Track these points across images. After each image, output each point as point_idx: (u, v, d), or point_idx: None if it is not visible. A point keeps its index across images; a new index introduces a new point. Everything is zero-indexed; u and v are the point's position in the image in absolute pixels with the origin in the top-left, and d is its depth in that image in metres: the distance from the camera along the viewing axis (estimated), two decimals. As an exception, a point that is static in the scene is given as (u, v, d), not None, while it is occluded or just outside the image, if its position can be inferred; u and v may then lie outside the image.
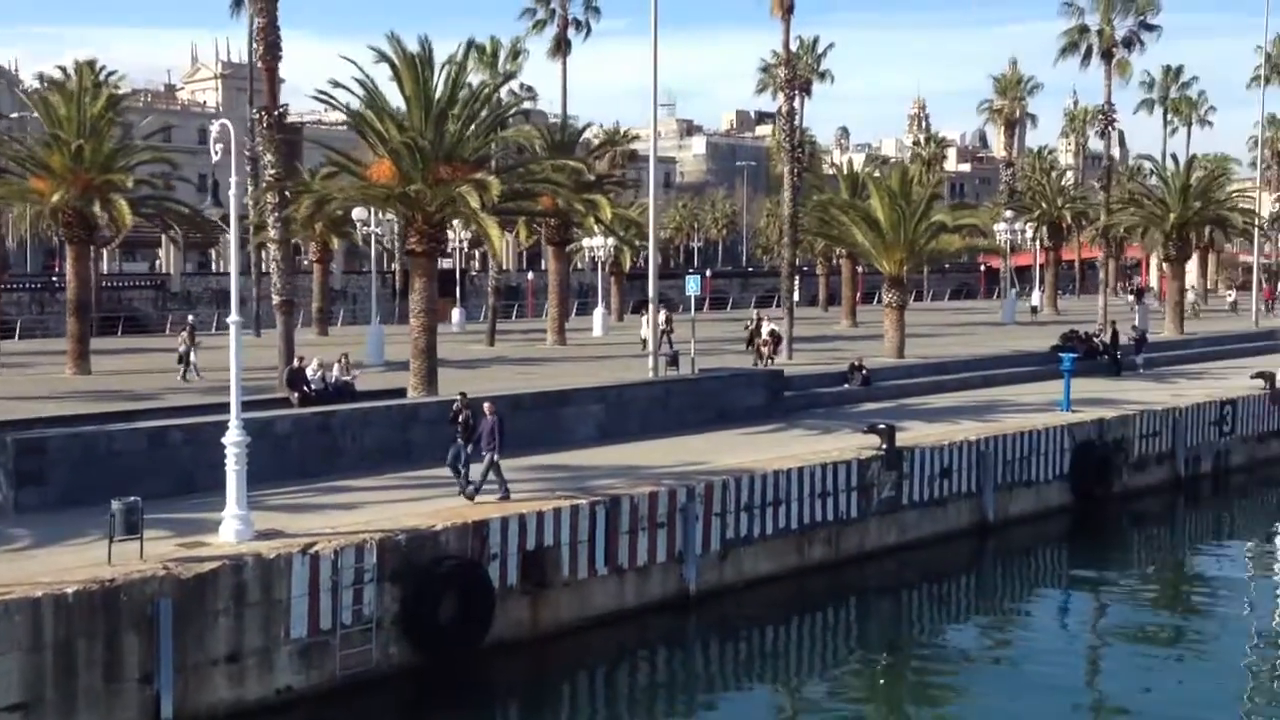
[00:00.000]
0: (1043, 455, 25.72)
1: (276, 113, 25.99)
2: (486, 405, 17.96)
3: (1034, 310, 62.38)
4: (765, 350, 31.45)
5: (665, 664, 18.10)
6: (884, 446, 22.56)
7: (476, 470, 17.64)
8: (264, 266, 43.89)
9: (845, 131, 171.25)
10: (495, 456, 17.55)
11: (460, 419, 17.75)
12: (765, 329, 32.48)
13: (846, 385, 30.43)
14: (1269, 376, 32.33)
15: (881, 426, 23.09)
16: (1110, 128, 49.27)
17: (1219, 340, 44.11)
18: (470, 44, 27.59)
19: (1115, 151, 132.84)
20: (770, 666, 18.42)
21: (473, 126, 24.61)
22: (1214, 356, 40.81)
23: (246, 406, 16.65)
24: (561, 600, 17.69)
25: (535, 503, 17.85)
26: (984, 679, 17.45)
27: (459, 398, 18.27)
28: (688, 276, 30.78)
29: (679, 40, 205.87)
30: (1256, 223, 51.73)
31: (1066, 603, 22.24)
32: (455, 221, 31.91)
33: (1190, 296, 66.11)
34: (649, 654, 18.09)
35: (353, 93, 23.60)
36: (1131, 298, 58.92)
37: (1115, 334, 37.12)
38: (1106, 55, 45.27)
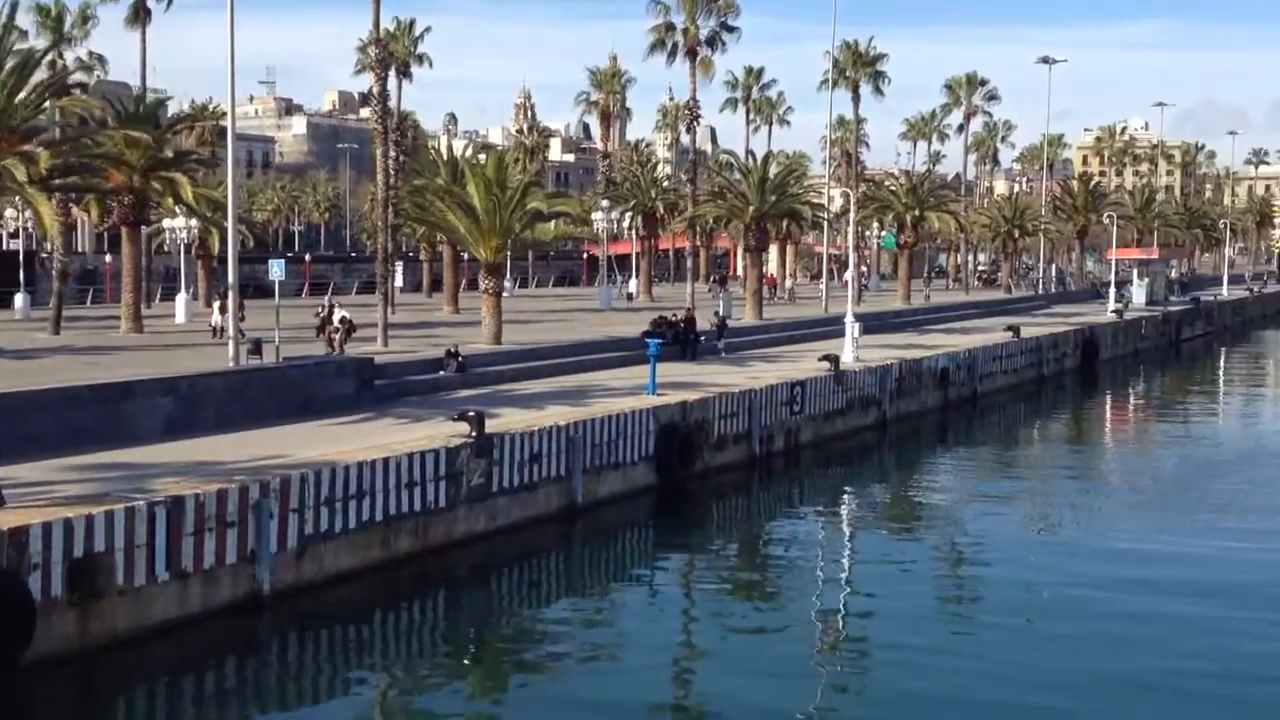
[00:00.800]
0: (629, 438, 26.41)
1: None
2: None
3: (630, 297, 64.59)
4: (337, 338, 30.46)
5: (236, 670, 17.05)
6: (473, 434, 22.37)
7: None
8: None
9: (454, 118, 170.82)
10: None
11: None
12: (336, 316, 31.45)
13: (442, 372, 30.10)
14: (833, 359, 34.81)
15: (471, 413, 22.89)
16: (695, 123, 51.65)
17: (794, 326, 47.18)
18: (14, 5, 24.93)
19: (708, 147, 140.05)
20: (353, 664, 17.77)
21: (22, 94, 22.25)
22: (788, 341, 43.63)
23: None
24: (117, 610, 16.24)
25: (85, 506, 16.29)
26: (576, 657, 17.62)
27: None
28: (271, 261, 29.36)
29: (281, 16, 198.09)
30: (826, 216, 55.73)
31: (654, 577, 22.99)
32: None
33: (789, 284, 70.75)
34: (217, 661, 16.96)
35: None
36: (715, 285, 62.08)
37: (691, 320, 38.85)
38: (691, 54, 47.33)
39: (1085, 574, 21.68)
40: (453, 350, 30.68)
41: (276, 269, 28.46)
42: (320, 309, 35.32)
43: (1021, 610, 19.76)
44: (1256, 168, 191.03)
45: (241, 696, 16.31)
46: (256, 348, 27.09)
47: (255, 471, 19.04)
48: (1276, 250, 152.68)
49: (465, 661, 17.84)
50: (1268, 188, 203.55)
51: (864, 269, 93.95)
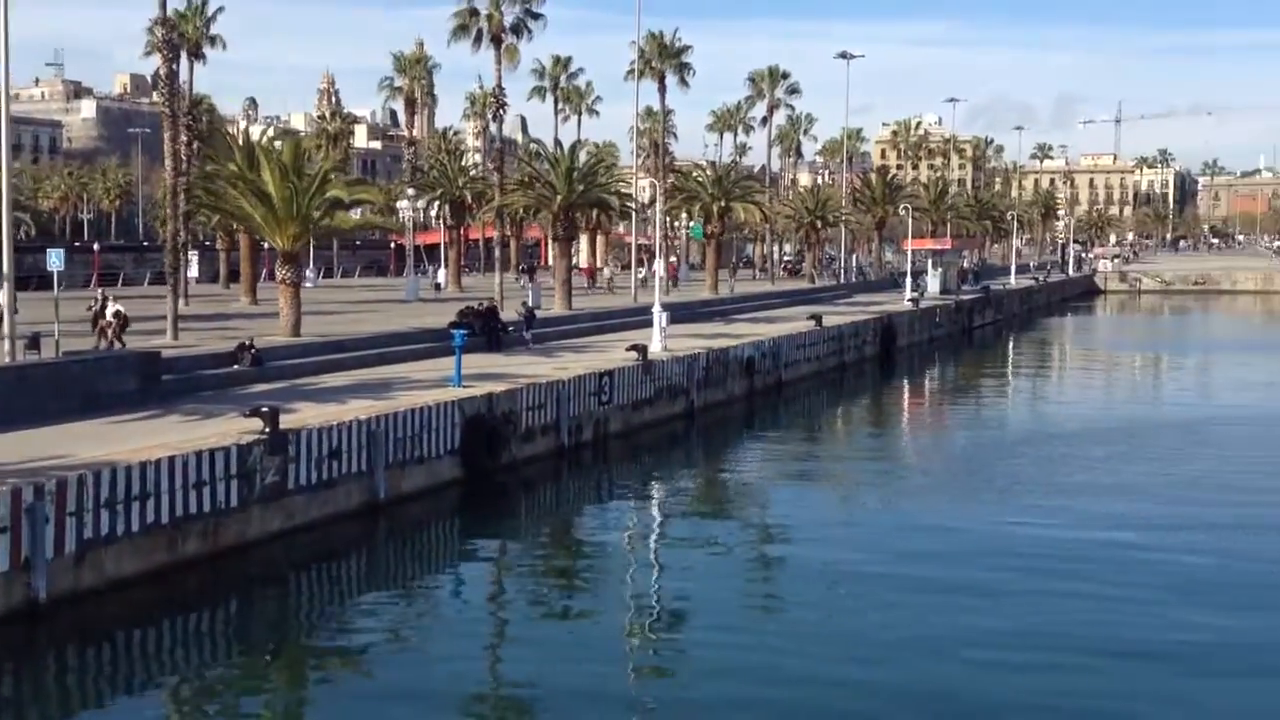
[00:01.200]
0: (434, 431, 25.93)
1: None
2: None
3: (438, 288, 63.68)
4: (110, 332, 29.03)
5: (12, 684, 16.01)
6: (267, 430, 21.57)
7: None
8: None
9: (254, 102, 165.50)
10: None
11: None
12: (109, 310, 29.98)
13: (236, 366, 28.99)
14: (641, 349, 34.94)
15: (264, 409, 22.06)
16: (502, 111, 51.03)
17: (603, 316, 47.23)
18: None
19: (518, 136, 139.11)
20: (138, 673, 16.93)
21: None
22: (597, 331, 43.68)
23: None
24: None
25: None
26: (381, 652, 17.24)
27: None
28: (50, 251, 27.76)
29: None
30: (635, 205, 55.98)
31: (462, 570, 22.66)
32: None
33: (606, 272, 70.73)
34: (-14, 676, 15.91)
35: None
36: (524, 275, 61.72)
37: (493, 310, 38.48)
38: (496, 40, 46.74)
39: (883, 549, 22.55)
40: (246, 343, 29.58)
41: (55, 259, 26.97)
42: (92, 302, 33.54)
43: (825, 583, 20.29)
44: (1041, 162, 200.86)
45: (17, 712, 15.30)
46: (34, 342, 25.59)
47: (31, 473, 17.91)
48: (1060, 241, 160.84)
49: (261, 664, 17.17)
50: (1052, 181, 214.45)
51: (674, 259, 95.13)
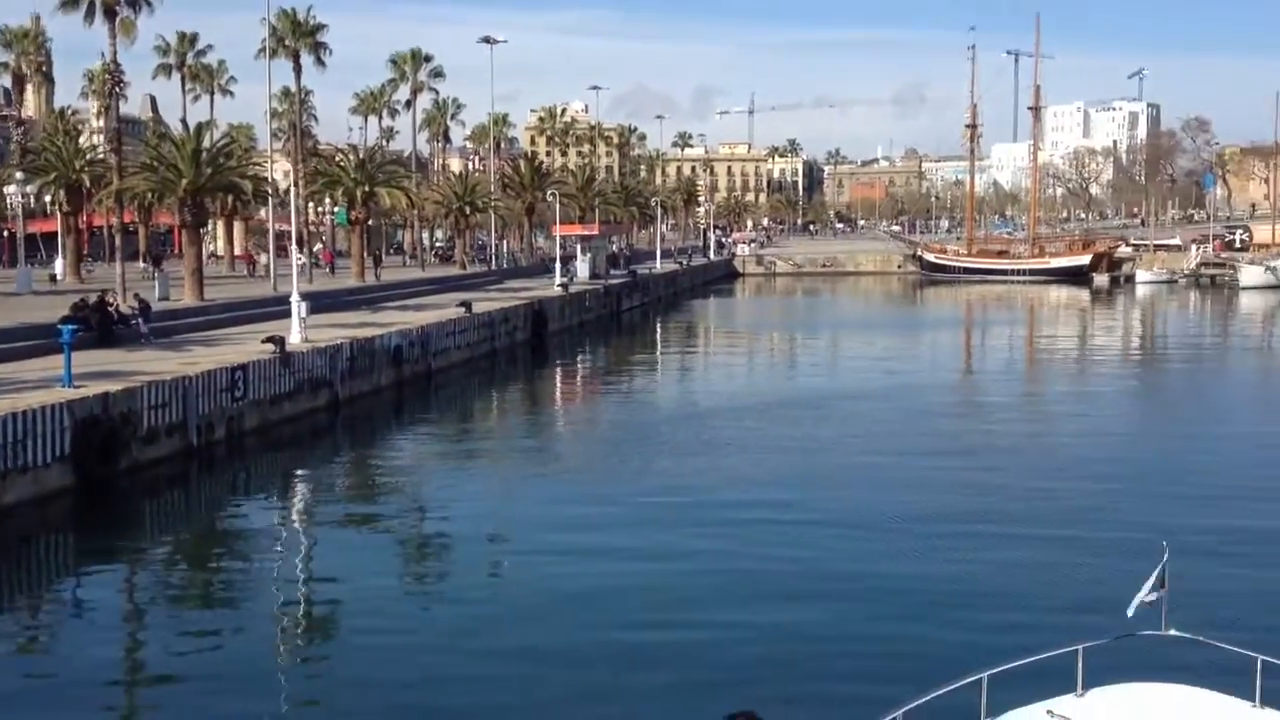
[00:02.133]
0: (39, 437, 23.46)
1: None
2: None
3: (54, 279, 58.52)
4: None
5: None
6: None
7: None
8: None
9: None
10: None
11: None
12: None
13: None
14: (279, 340, 33.19)
15: None
16: (119, 89, 47.34)
17: (238, 306, 44.75)
18: None
19: (148, 115, 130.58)
20: None
21: None
22: (232, 323, 41.25)
23: None
24: None
25: None
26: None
27: None
28: None
29: None
30: (270, 189, 53.38)
31: (79, 588, 20.49)
32: None
33: (264, 259, 66.85)
34: None
35: None
36: (149, 265, 57.78)
37: (102, 303, 35.61)
38: (109, 13, 43.22)
39: (540, 533, 22.38)
40: None
41: None
42: None
43: (484, 571, 20.09)
44: (683, 150, 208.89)
45: None
46: None
47: None
48: (702, 226, 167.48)
49: None
50: (693, 169, 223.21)
51: (321, 245, 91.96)
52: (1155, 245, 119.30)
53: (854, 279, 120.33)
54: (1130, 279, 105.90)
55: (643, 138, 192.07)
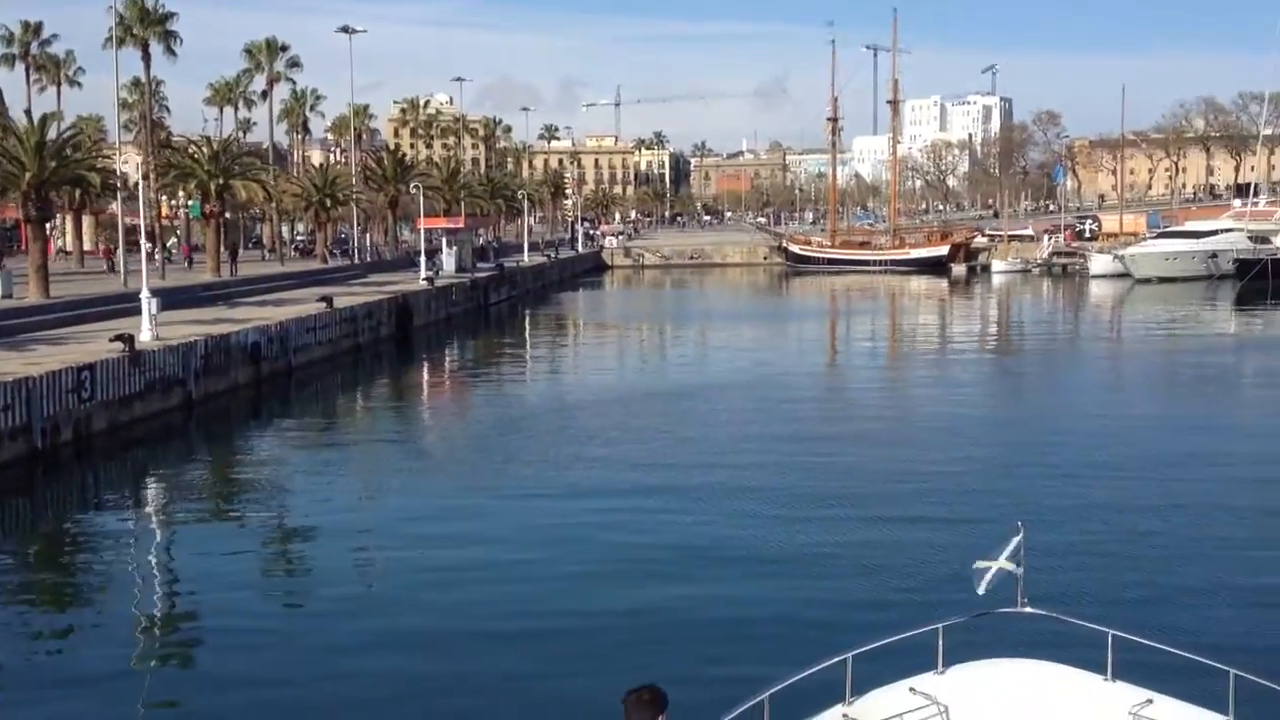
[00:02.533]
0: None
1: None
2: None
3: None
4: None
5: None
6: None
7: None
8: None
9: None
10: None
11: None
12: None
13: None
14: (128, 339, 31.98)
15: None
16: (-45, 76, 45.07)
17: (85, 304, 43.04)
18: None
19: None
20: None
21: None
22: (79, 321, 39.63)
23: None
24: None
25: None
26: None
27: None
28: None
29: None
30: (120, 182, 51.48)
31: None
32: None
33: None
34: None
35: None
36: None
37: None
38: (-57, -4, 41.10)
39: (406, 525, 22.05)
40: None
41: None
42: None
43: (347, 566, 19.66)
44: (549, 143, 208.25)
45: None
46: None
47: None
48: (570, 219, 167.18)
49: None
50: (560, 161, 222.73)
51: (176, 240, 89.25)
52: (1009, 236, 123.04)
53: (721, 270, 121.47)
54: (986, 269, 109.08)
55: (509, 130, 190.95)
